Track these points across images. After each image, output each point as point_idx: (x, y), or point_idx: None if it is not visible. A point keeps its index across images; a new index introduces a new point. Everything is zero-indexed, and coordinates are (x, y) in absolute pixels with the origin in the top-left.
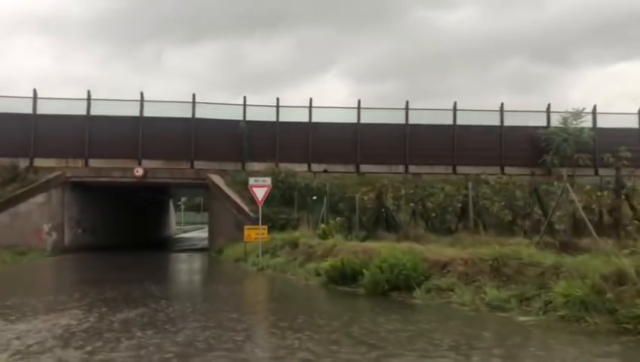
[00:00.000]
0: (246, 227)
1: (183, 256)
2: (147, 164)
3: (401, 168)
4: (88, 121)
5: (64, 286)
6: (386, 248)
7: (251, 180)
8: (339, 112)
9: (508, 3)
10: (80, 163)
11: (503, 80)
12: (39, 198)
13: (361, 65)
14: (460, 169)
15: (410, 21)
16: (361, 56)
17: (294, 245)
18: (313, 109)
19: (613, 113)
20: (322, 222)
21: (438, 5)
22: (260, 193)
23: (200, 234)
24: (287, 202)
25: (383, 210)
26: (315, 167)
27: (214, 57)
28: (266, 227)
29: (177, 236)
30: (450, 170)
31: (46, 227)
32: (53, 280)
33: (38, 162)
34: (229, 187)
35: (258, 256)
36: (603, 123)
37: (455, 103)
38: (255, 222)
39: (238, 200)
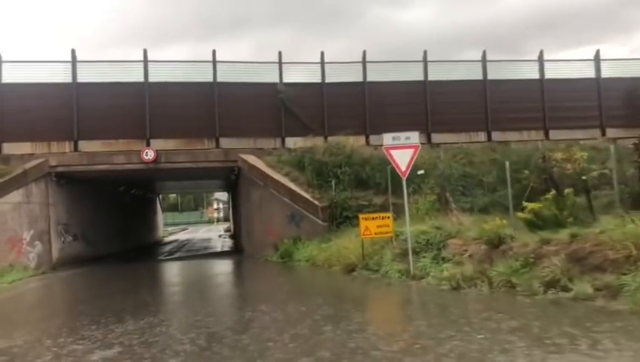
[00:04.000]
0: (362, 216)
1: (224, 265)
2: (158, 144)
3: (482, 136)
4: (75, 90)
5: None
6: None
7: (387, 139)
8: (398, 68)
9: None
10: (67, 147)
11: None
12: (14, 197)
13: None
14: (554, 134)
15: (367, 20)
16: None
17: (491, 243)
18: (367, 65)
19: None
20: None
21: (394, 4)
22: (403, 158)
23: (192, 235)
24: (358, 183)
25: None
26: (375, 139)
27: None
28: (390, 215)
29: (169, 239)
30: (541, 135)
31: (27, 235)
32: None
33: (8, 148)
34: (273, 170)
35: (408, 261)
36: None
37: (541, 52)
38: (325, 211)
39: (292, 185)
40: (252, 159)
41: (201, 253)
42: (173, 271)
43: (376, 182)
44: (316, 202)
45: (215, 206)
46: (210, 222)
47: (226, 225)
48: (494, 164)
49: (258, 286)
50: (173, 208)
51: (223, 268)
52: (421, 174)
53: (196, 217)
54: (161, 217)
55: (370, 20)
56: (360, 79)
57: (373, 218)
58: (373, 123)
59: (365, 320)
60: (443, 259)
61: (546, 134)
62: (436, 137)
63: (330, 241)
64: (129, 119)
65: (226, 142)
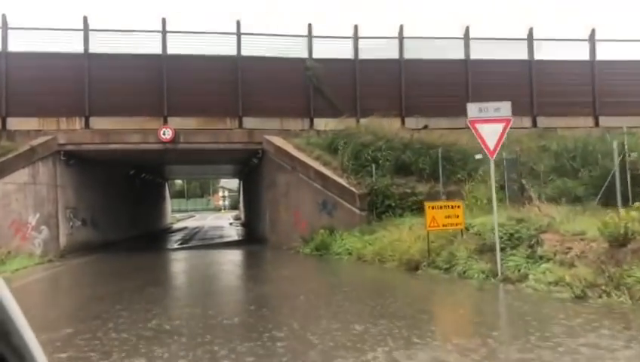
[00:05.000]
0: (428, 205)
1: (251, 258)
2: (176, 122)
3: (527, 121)
4: (87, 61)
5: None
6: None
7: (472, 110)
8: (436, 45)
9: None
10: (77, 123)
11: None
12: (19, 176)
13: None
14: (605, 120)
15: None
16: None
17: (616, 241)
18: (405, 42)
19: None
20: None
21: None
22: (491, 133)
23: (201, 223)
24: (397, 169)
25: None
26: (411, 122)
27: None
28: (460, 204)
29: (178, 226)
30: (590, 121)
31: (32, 220)
32: None
33: (14, 123)
34: (302, 152)
35: (492, 259)
36: None
37: (593, 31)
38: (363, 200)
39: (324, 170)
40: (279, 141)
41: (218, 242)
42: (195, 264)
43: (419, 168)
44: (353, 189)
45: (221, 193)
46: (217, 209)
47: (234, 213)
48: (544, 151)
49: (311, 286)
50: (179, 195)
51: (252, 261)
52: (479, 159)
53: (202, 204)
54: (169, 203)
55: None
56: (396, 56)
57: (440, 207)
58: (410, 104)
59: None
60: (541, 257)
61: (596, 121)
62: None
63: (374, 233)
64: (145, 95)
65: (249, 122)
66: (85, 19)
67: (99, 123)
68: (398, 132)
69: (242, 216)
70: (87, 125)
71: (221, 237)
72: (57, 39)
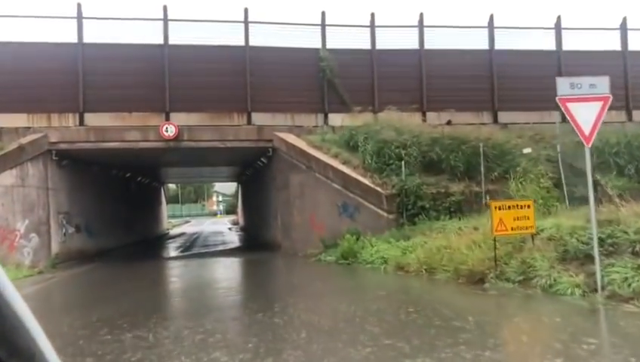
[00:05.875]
0: (494, 205)
1: (266, 269)
2: (179, 119)
3: (555, 116)
4: (81, 52)
5: None
6: None
7: (562, 86)
8: (461, 34)
9: None
10: (71, 120)
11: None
12: (6, 178)
13: None
14: (638, 115)
15: None
16: None
17: None
18: (425, 31)
19: None
20: None
21: None
22: (586, 114)
23: (199, 228)
24: (425, 167)
25: None
26: (432, 117)
27: None
28: (531, 204)
29: (176, 232)
30: (623, 116)
31: (21, 226)
32: None
33: (0, 119)
34: (318, 150)
35: (587, 271)
36: None
37: (624, 20)
38: (391, 201)
39: (344, 168)
40: (291, 138)
41: (223, 249)
42: (206, 276)
43: (451, 166)
44: (379, 189)
45: (215, 198)
46: (212, 214)
47: (230, 218)
48: (579, 147)
49: (363, 310)
50: (173, 200)
51: (272, 273)
52: (527, 153)
53: (197, 209)
54: (165, 208)
55: None
56: (416, 46)
57: (508, 207)
58: (431, 98)
59: None
60: None
61: (629, 115)
62: (504, 116)
63: (409, 239)
64: (145, 88)
65: (258, 118)
66: (79, 6)
67: (94, 119)
68: (423, 127)
69: (241, 221)
70: (81, 122)
71: (224, 243)
72: (49, 27)
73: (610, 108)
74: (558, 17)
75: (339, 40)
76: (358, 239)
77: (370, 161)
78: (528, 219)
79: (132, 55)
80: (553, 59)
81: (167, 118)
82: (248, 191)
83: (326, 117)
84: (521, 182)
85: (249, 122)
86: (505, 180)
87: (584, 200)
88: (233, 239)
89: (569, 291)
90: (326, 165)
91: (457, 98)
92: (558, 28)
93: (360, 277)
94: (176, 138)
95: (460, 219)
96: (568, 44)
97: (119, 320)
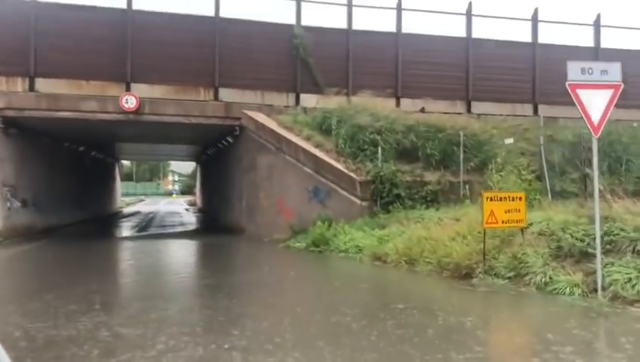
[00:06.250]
0: (486, 195)
1: (233, 253)
2: (141, 90)
3: (528, 109)
4: (34, 10)
5: None
6: None
7: (573, 70)
8: (438, 21)
9: None
10: (20, 85)
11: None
12: None
13: None
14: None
15: None
16: None
17: None
18: (403, 14)
19: None
20: None
21: None
22: (595, 101)
23: (154, 207)
24: (400, 155)
25: None
26: (407, 104)
27: None
28: (523, 195)
29: (130, 210)
30: None
31: None
32: None
33: None
34: (289, 132)
35: (584, 269)
36: None
37: (599, 16)
38: (365, 187)
39: (317, 152)
40: (261, 117)
41: (182, 231)
42: (165, 262)
43: (427, 154)
44: (353, 175)
45: (171, 178)
46: (168, 194)
47: (187, 199)
48: (552, 141)
49: (334, 301)
50: (127, 177)
51: (239, 258)
52: (509, 144)
53: (152, 188)
54: (119, 186)
55: None
56: (393, 29)
57: (500, 198)
58: (406, 84)
59: None
60: None
61: None
62: (477, 106)
63: (385, 227)
64: (105, 55)
65: (226, 94)
66: None
67: (47, 85)
68: (398, 113)
69: (199, 202)
70: (31, 87)
71: (182, 224)
72: None
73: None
74: (535, 9)
75: (314, 17)
76: (330, 226)
77: (343, 146)
78: (519, 211)
79: (92, 18)
80: (528, 52)
81: (128, 89)
82: (209, 171)
83: (298, 97)
84: (500, 174)
85: (216, 98)
86: (481, 171)
87: (565, 194)
88: (191, 220)
89: (567, 290)
90: (297, 147)
91: (432, 85)
92: (534, 20)
93: (335, 267)
94: (137, 111)
95: (437, 209)
96: (544, 37)
97: (65, 306)
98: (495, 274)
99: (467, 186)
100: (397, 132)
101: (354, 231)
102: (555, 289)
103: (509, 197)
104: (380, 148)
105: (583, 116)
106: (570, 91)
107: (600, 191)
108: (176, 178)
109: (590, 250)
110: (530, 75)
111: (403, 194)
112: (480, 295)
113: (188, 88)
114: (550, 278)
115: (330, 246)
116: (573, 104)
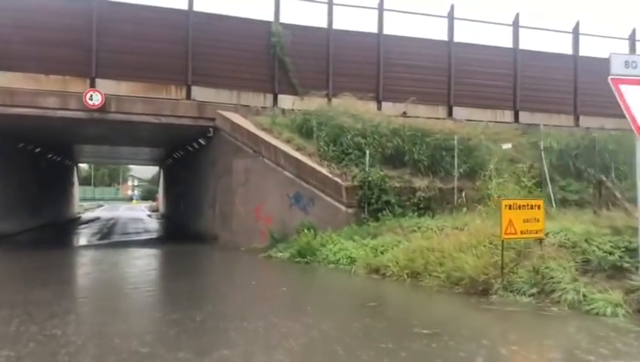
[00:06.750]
0: (505, 203)
1: (212, 266)
2: (107, 87)
3: (508, 115)
4: None
5: None
6: None
7: (616, 63)
8: (420, 23)
9: None
10: None
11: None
12: None
13: None
14: (585, 121)
15: None
16: None
17: None
18: (385, 14)
19: None
20: None
21: None
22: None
23: (114, 213)
24: (386, 159)
25: None
26: (388, 107)
27: None
28: (541, 203)
29: (89, 216)
30: (571, 120)
31: None
32: None
33: None
34: (268, 134)
35: (624, 286)
36: None
37: (577, 24)
38: (351, 193)
39: (298, 155)
40: (237, 118)
41: (147, 238)
42: (136, 272)
43: (414, 159)
44: (338, 180)
45: (131, 183)
46: (128, 199)
47: (148, 204)
48: (535, 148)
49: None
50: (85, 181)
51: (215, 275)
52: (507, 149)
53: (111, 193)
54: (77, 190)
55: None
56: (375, 30)
57: (519, 206)
58: (388, 87)
59: None
60: None
61: (577, 120)
62: (458, 112)
63: (377, 236)
64: (68, 48)
65: (199, 93)
66: None
67: (2, 79)
68: (381, 116)
69: (162, 208)
70: None
71: (147, 231)
72: None
73: (561, 112)
74: (517, 15)
75: (293, 15)
76: (315, 235)
77: (326, 149)
78: (538, 221)
79: (53, 7)
80: (509, 57)
81: (93, 85)
82: (175, 175)
83: (275, 98)
84: (499, 181)
85: (188, 97)
86: (471, 177)
87: (568, 203)
88: (155, 227)
89: (608, 311)
90: (277, 150)
91: (414, 89)
92: (515, 25)
93: (330, 282)
94: (102, 108)
95: (432, 217)
96: (525, 44)
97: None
98: (516, 291)
99: (464, 193)
100: (382, 135)
101: (343, 241)
102: (594, 309)
103: (528, 205)
104: (367, 152)
105: (627, 116)
106: (612, 87)
107: (618, 199)
108: (137, 183)
109: (625, 264)
110: (512, 81)
111: (393, 200)
112: (514, 316)
113: (158, 86)
114: (584, 296)
115: (318, 257)
116: (548, 112)
